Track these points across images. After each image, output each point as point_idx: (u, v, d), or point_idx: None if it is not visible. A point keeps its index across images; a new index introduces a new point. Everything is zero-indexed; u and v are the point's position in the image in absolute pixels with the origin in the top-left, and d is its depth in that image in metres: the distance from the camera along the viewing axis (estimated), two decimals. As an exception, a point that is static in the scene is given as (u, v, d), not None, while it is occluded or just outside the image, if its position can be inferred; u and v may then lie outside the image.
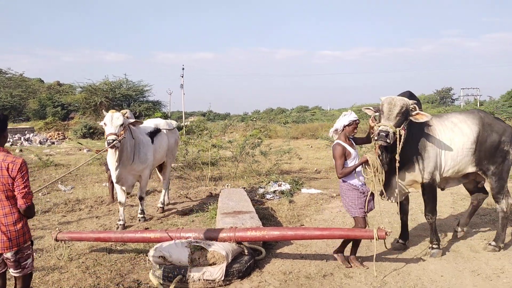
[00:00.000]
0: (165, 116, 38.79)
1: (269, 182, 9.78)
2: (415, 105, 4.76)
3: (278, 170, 12.29)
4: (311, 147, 22.31)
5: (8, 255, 3.13)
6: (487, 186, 5.65)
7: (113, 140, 6.04)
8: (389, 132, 4.50)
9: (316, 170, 13.68)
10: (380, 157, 4.95)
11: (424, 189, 5.21)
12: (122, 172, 6.57)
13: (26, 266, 3.25)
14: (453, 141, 5.17)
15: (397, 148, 4.65)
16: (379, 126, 4.58)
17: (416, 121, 4.75)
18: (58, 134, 30.95)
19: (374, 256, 4.50)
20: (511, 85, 61.55)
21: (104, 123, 6.24)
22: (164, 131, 7.76)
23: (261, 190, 9.29)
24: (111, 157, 6.49)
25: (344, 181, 4.86)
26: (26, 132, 30.72)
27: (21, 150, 19.86)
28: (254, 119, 31.59)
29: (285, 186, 9.44)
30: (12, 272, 3.23)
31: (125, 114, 6.44)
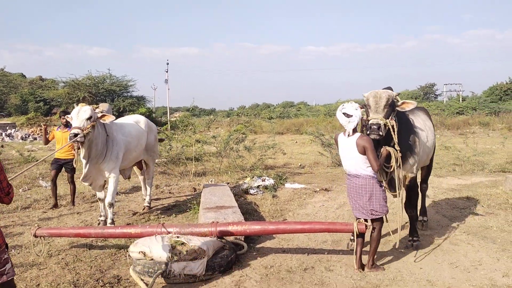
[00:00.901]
0: (150, 111, 38.55)
1: (253, 177, 9.78)
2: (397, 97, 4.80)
3: (263, 165, 12.31)
4: (296, 142, 22.40)
5: None
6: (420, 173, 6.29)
7: (75, 134, 5.61)
8: (380, 124, 4.47)
9: (300, 165, 13.73)
10: None
11: (411, 184, 5.29)
12: (91, 170, 6.12)
13: (5, 272, 2.98)
14: (428, 137, 5.53)
15: (394, 139, 4.61)
16: (369, 120, 4.57)
17: (403, 110, 4.78)
18: (41, 129, 30.51)
19: (355, 250, 4.53)
20: (493, 81, 62.41)
21: (71, 117, 5.89)
22: (143, 128, 7.37)
23: (244, 185, 9.28)
24: (82, 154, 6.05)
25: (373, 177, 4.44)
26: (7, 128, 30.24)
27: (2, 146, 19.53)
28: (239, 115, 31.53)
29: (269, 181, 9.45)
30: None
31: (96, 107, 6.07)
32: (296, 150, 18.35)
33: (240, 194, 8.75)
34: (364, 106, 4.75)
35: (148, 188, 7.87)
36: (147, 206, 7.68)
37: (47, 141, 8.09)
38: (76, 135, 5.59)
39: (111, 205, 6.33)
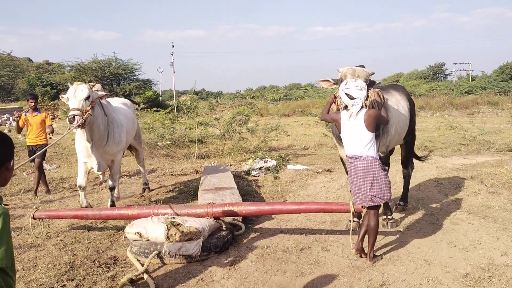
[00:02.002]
0: (156, 95, 38.47)
1: (255, 159, 9.75)
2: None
3: (266, 147, 12.28)
4: (302, 124, 22.28)
5: None
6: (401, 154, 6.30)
7: (74, 116, 5.11)
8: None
9: (304, 146, 13.67)
10: None
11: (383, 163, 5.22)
12: (97, 156, 5.72)
13: None
14: (400, 118, 5.42)
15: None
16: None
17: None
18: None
19: (351, 230, 4.50)
20: (503, 60, 61.38)
21: (67, 97, 5.33)
22: (132, 111, 7.08)
23: (246, 167, 9.27)
24: (81, 137, 5.60)
25: (376, 159, 4.16)
26: (15, 112, 30.34)
27: (9, 130, 19.66)
28: (245, 97, 31.40)
29: (271, 163, 9.42)
30: None
31: (93, 86, 5.62)
32: (301, 131, 18.25)
33: (241, 175, 8.74)
34: (338, 81, 4.60)
35: (142, 171, 7.74)
36: (146, 187, 7.63)
37: (20, 130, 7.70)
38: (74, 117, 5.11)
39: (113, 188, 6.17)
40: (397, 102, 5.51)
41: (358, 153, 4.17)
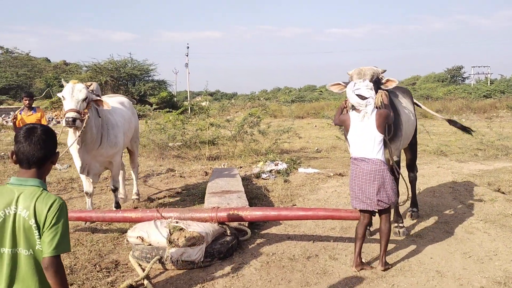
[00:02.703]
0: (171, 95, 38.61)
1: (265, 162, 9.60)
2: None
3: (278, 149, 12.12)
4: (315, 126, 22.04)
5: None
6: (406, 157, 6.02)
7: (74, 119, 4.84)
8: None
9: (317, 149, 13.48)
10: None
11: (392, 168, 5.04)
12: (85, 159, 5.36)
13: None
14: (409, 121, 5.31)
15: None
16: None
17: (387, 88, 4.48)
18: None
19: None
20: (524, 63, 60.20)
21: (63, 96, 5.01)
22: (129, 111, 6.69)
23: (256, 170, 9.12)
24: (71, 139, 5.26)
25: (384, 162, 4.06)
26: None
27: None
28: (259, 98, 31.30)
29: (282, 166, 9.26)
30: None
31: (89, 86, 5.31)
32: (314, 134, 18.05)
33: (251, 178, 8.60)
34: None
35: (135, 178, 7.27)
36: (136, 198, 7.00)
37: (17, 130, 7.54)
38: (74, 120, 4.84)
39: (115, 189, 6.01)
40: (405, 105, 5.37)
41: (366, 155, 4.03)
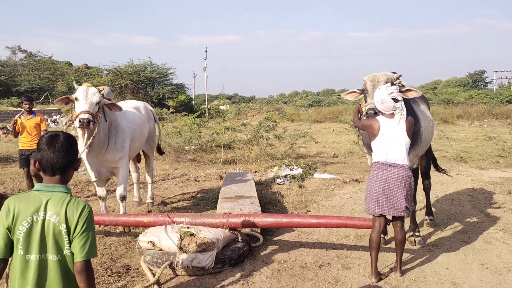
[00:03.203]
0: (189, 99, 38.84)
1: (281, 166, 9.55)
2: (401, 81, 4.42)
3: (294, 154, 12.05)
4: (333, 131, 21.88)
5: None
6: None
7: (89, 120, 4.83)
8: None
9: (333, 154, 13.35)
10: None
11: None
12: (93, 163, 5.36)
13: None
14: (428, 128, 5.16)
15: None
16: (366, 106, 4.25)
17: (406, 97, 4.38)
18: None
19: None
20: (549, 68, 58.49)
21: (76, 98, 4.98)
22: (144, 115, 6.67)
23: (271, 174, 9.08)
24: (80, 144, 5.10)
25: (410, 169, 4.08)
26: (53, 114, 31.36)
27: (46, 131, 20.25)
28: (277, 102, 31.29)
29: (297, 171, 9.19)
30: None
31: (101, 91, 5.31)
32: (331, 139, 17.89)
33: (266, 183, 8.55)
34: (363, 91, 4.42)
35: (150, 182, 7.24)
36: (150, 202, 7.04)
37: (16, 134, 7.39)
38: (89, 121, 4.82)
39: (123, 197, 5.80)
40: (423, 111, 5.26)
41: (396, 160, 3.97)
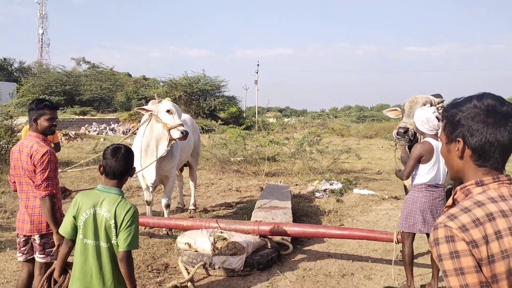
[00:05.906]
0: (240, 111, 39.72)
1: (321, 181, 9.78)
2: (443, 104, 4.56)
3: (338, 169, 12.21)
4: (382, 147, 21.69)
5: (36, 237, 3.37)
6: None
7: (187, 132, 5.51)
8: (408, 128, 4.30)
9: (378, 171, 13.36)
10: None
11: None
12: (157, 169, 5.83)
13: (51, 254, 3.38)
14: None
15: None
16: (399, 124, 4.46)
17: None
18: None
19: (393, 260, 4.43)
20: None
21: (169, 110, 5.52)
22: (190, 128, 6.92)
23: (311, 188, 9.33)
24: (137, 151, 5.65)
25: None
26: (111, 122, 33.13)
27: (104, 139, 21.55)
28: (328, 116, 31.35)
29: (337, 185, 9.39)
30: (37, 256, 3.41)
31: (160, 102, 5.75)
32: (379, 155, 17.81)
33: (305, 196, 8.82)
34: (402, 111, 4.62)
35: (193, 190, 7.73)
36: (193, 209, 7.49)
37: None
38: (187, 133, 5.53)
39: (168, 206, 6.26)
40: None
41: (440, 181, 4.10)
